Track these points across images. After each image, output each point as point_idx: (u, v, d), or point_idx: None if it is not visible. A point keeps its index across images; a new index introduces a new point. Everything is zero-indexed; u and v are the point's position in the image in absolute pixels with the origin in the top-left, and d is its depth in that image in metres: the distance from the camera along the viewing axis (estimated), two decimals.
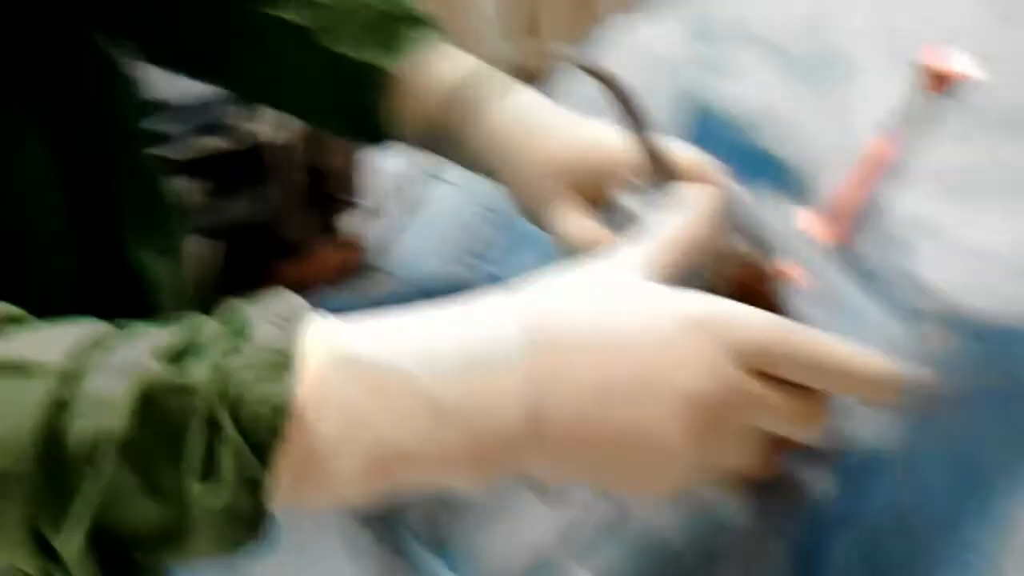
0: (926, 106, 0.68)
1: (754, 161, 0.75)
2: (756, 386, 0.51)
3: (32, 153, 0.74)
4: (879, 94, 0.72)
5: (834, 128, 0.73)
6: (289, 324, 0.51)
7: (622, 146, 0.66)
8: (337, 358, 0.50)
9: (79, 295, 0.76)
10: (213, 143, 1.53)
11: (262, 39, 0.82)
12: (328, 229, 1.30)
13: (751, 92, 0.79)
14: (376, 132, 0.82)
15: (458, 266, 0.90)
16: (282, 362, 0.49)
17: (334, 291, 0.98)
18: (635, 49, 0.93)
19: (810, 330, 0.53)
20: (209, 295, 1.07)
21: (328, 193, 1.45)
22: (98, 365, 0.49)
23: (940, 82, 0.68)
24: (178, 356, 0.50)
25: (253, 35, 0.83)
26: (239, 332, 0.51)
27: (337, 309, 0.54)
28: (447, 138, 0.78)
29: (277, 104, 0.89)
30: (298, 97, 0.84)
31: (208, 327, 0.51)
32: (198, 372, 0.49)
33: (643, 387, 0.50)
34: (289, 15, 0.81)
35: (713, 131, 0.79)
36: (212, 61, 0.87)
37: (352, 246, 1.13)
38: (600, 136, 0.71)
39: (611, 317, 0.51)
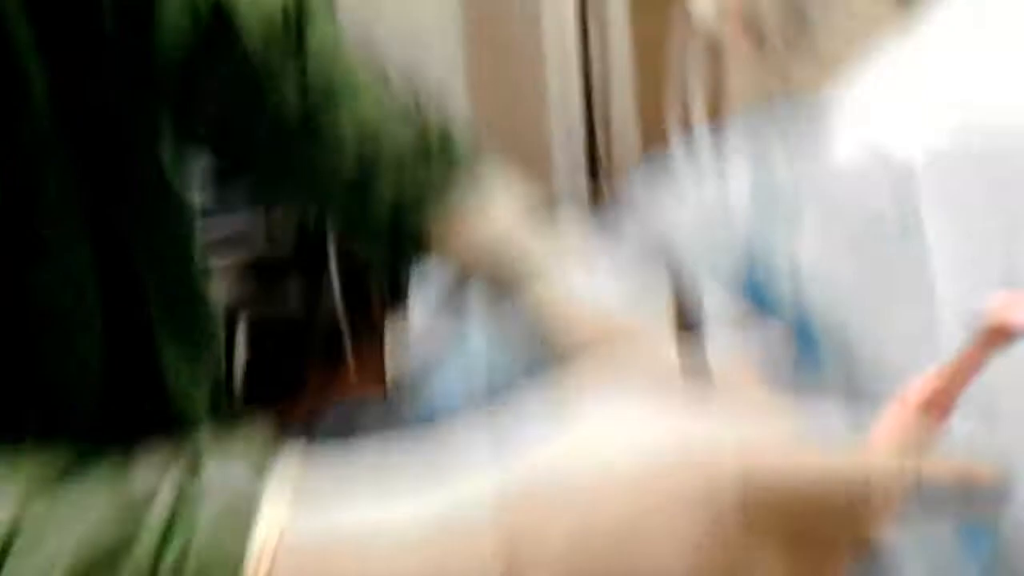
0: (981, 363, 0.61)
1: (805, 340, 0.70)
2: (753, 539, 0.46)
3: (71, 249, 0.73)
4: (956, 301, 0.66)
5: (902, 322, 0.67)
6: (250, 486, 0.48)
7: (672, 329, 0.64)
8: (290, 540, 0.47)
9: (103, 399, 0.75)
10: (260, 230, 1.51)
11: (305, 144, 0.79)
12: (369, 334, 1.27)
13: (817, 260, 0.74)
14: (414, 259, 0.79)
15: (484, 403, 0.86)
16: (235, 537, 0.46)
17: (357, 405, 0.93)
18: (703, 184, 0.89)
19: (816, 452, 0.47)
20: (234, 394, 1.05)
21: (372, 297, 1.42)
22: (37, 536, 0.47)
23: (1001, 338, 0.61)
24: (116, 542, 0.46)
25: (297, 138, 0.80)
26: (194, 499, 0.48)
27: (348, 431, 0.50)
28: (490, 288, 0.75)
29: (307, 207, 0.86)
30: (332, 209, 0.81)
31: (157, 495, 0.48)
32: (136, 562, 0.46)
33: (630, 532, 0.46)
34: (339, 125, 0.78)
35: (770, 299, 0.74)
36: (245, 153, 0.84)
37: (386, 358, 1.09)
38: (652, 317, 0.69)
39: (595, 458, 0.48)
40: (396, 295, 1.04)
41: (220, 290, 1.49)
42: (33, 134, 0.72)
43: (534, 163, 1.87)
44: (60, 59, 0.74)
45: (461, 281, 0.77)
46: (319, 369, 1.50)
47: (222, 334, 0.95)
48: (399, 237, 0.77)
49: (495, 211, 0.76)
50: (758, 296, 0.70)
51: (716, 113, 1.95)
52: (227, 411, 0.92)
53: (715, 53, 1.89)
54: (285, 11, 0.80)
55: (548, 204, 0.80)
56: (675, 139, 1.83)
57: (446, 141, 0.78)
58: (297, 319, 1.57)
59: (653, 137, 1.92)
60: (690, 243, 0.80)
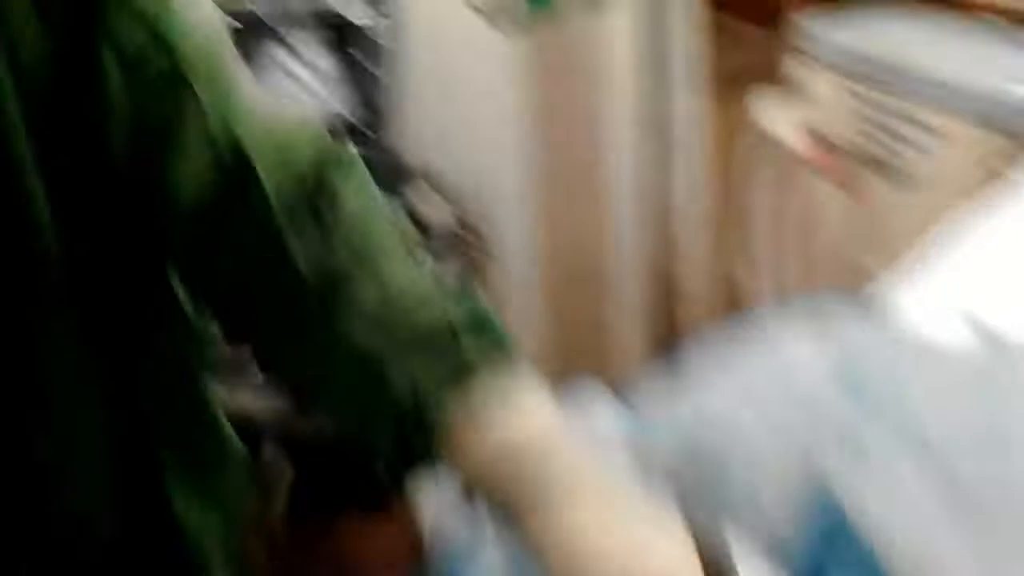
0: None
1: None
2: None
3: (81, 393, 0.73)
4: None
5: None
6: None
7: None
8: None
9: (115, 539, 0.75)
10: None
11: (319, 310, 0.72)
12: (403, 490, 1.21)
13: (898, 503, 0.65)
14: (420, 458, 0.71)
15: None
16: None
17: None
18: (770, 369, 0.81)
19: None
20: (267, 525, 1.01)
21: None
22: None
23: None
24: None
25: (312, 301, 0.73)
26: None
27: None
28: (496, 510, 0.68)
29: (316, 405, 0.79)
30: (337, 387, 0.74)
31: None
32: None
33: None
34: (360, 293, 0.71)
35: (839, 543, 0.65)
36: (256, 312, 0.77)
37: (416, 528, 1.01)
38: (666, 566, 0.62)
39: None
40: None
41: (255, 407, 1.45)
42: (41, 280, 0.70)
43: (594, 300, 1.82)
44: (71, 196, 0.71)
45: (470, 492, 0.70)
46: (351, 491, 1.44)
47: (239, 461, 0.90)
48: (408, 431, 0.69)
49: (516, 419, 0.68)
50: (829, 554, 0.61)
51: (787, 237, 1.88)
52: (242, 543, 0.89)
53: (789, 173, 1.82)
54: (314, 165, 0.74)
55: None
56: (746, 278, 1.75)
57: (478, 328, 0.70)
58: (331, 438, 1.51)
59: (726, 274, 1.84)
60: (743, 451, 0.72)
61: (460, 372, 0.68)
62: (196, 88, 0.72)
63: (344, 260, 0.72)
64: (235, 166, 0.73)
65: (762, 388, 0.80)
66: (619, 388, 0.92)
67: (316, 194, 0.73)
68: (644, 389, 0.87)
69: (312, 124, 0.77)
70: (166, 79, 0.72)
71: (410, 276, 0.72)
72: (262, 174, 0.72)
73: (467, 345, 0.69)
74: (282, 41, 1.59)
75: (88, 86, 0.70)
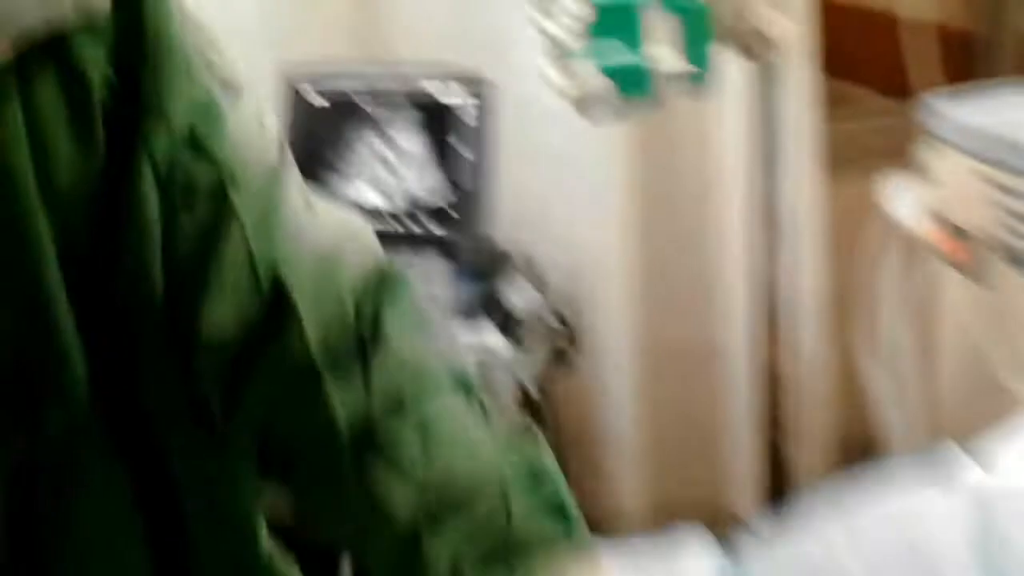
0: None
1: None
2: None
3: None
4: None
5: None
6: None
7: None
8: None
9: None
10: None
11: (358, 461, 0.67)
12: None
13: None
14: None
15: None
16: None
17: None
18: (891, 519, 0.70)
19: None
20: None
21: None
22: None
23: None
24: None
25: (351, 451, 0.67)
26: None
27: None
28: None
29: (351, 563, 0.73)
30: (373, 560, 0.68)
31: None
32: None
33: None
34: (404, 446, 0.65)
35: None
36: (289, 460, 0.72)
37: None
38: None
39: None
40: None
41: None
42: (71, 418, 0.66)
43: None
44: (103, 332, 0.67)
45: None
46: None
47: None
48: None
49: None
50: None
51: (919, 331, 1.77)
52: None
53: (915, 260, 1.72)
54: (360, 296, 0.68)
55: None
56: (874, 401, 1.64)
57: (533, 490, 0.63)
58: None
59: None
60: None
61: (508, 552, 0.61)
62: (239, 211, 0.66)
63: (386, 408, 0.66)
64: (274, 301, 0.67)
65: (878, 539, 0.69)
66: (720, 518, 0.82)
67: (360, 330, 0.67)
68: (748, 528, 0.78)
69: (361, 239, 0.71)
70: (207, 200, 0.66)
71: (459, 425, 0.66)
72: (303, 311, 0.66)
73: (518, 515, 0.62)
74: (371, 121, 1.56)
75: (125, 210, 0.65)
